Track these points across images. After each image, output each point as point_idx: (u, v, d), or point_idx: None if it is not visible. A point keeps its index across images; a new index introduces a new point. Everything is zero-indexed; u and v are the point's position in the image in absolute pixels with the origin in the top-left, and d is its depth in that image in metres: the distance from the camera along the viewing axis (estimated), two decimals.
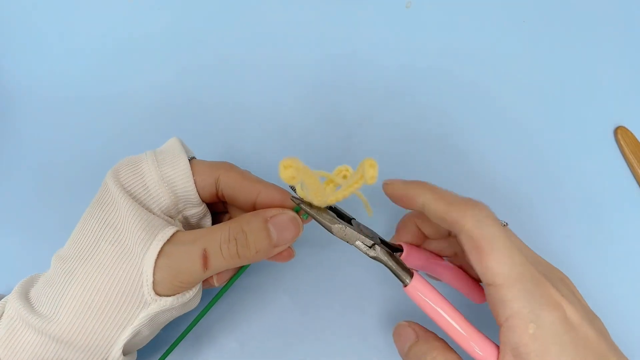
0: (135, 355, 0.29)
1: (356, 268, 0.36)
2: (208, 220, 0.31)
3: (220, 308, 0.34)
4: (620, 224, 0.38)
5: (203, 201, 0.29)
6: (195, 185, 0.28)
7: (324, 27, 0.44)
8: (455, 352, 0.26)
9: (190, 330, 0.29)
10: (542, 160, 0.40)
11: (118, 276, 0.25)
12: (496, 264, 0.24)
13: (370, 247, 0.27)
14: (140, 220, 0.25)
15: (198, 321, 0.29)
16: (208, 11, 0.45)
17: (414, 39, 0.44)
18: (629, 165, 0.40)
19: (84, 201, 0.28)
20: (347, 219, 0.28)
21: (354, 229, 0.27)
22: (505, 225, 0.29)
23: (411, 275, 0.27)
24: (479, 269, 0.25)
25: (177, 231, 0.26)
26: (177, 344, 0.30)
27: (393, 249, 0.29)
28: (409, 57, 0.43)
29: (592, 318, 0.26)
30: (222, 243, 0.26)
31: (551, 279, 0.26)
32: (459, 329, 0.26)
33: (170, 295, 0.25)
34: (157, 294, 0.25)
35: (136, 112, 0.41)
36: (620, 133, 0.40)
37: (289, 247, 0.28)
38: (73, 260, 0.26)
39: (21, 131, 0.41)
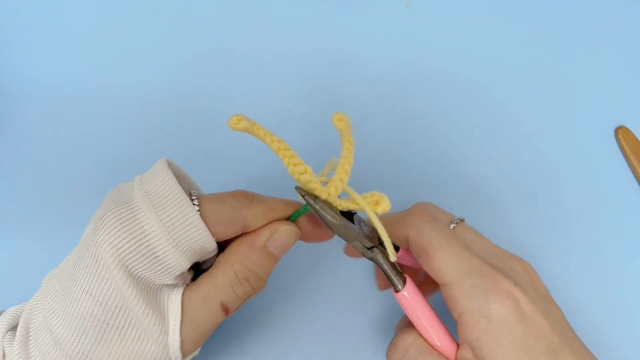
0: None
1: (357, 268, 0.36)
2: (214, 254, 0.27)
3: None
4: (621, 224, 0.38)
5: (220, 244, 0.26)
6: (214, 237, 0.24)
7: (324, 26, 0.44)
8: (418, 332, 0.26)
9: None
10: (542, 160, 0.40)
11: (139, 358, 0.23)
12: (441, 264, 0.25)
13: (368, 249, 0.27)
14: (150, 311, 0.23)
15: None
16: (207, 10, 0.45)
17: (414, 38, 0.44)
18: (629, 165, 0.40)
19: (84, 202, 0.28)
20: (349, 214, 0.27)
21: (355, 228, 0.26)
22: (458, 222, 0.29)
23: (404, 281, 0.27)
24: (429, 272, 0.26)
25: (184, 294, 0.25)
26: None
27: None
28: (409, 57, 0.43)
29: (548, 308, 0.25)
30: (235, 289, 0.25)
31: (504, 269, 0.26)
32: (437, 342, 0.26)
33: (195, 350, 0.25)
34: (184, 355, 0.25)
35: (136, 111, 0.41)
36: (621, 133, 0.40)
37: (322, 229, 0.27)
38: (81, 346, 0.23)
39: (21, 131, 0.41)
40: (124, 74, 0.43)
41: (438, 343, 0.26)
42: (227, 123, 0.20)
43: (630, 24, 0.45)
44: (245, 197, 0.25)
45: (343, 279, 0.35)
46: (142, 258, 0.22)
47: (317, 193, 0.24)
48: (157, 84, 0.42)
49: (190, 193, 0.24)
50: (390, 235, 0.25)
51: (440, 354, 0.26)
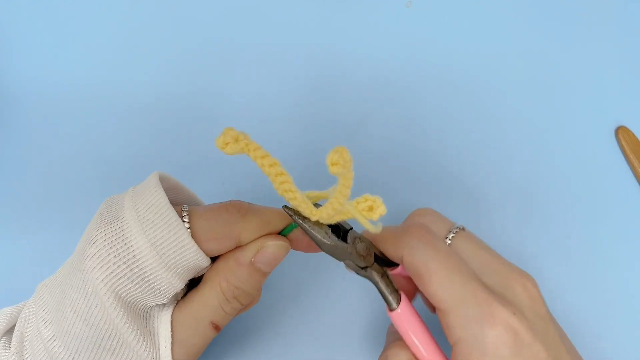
0: None
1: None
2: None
3: None
4: (621, 224, 0.38)
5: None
6: (207, 254, 0.24)
7: (324, 26, 0.44)
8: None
9: None
10: (542, 159, 0.40)
11: None
12: (436, 289, 0.24)
13: (362, 268, 0.26)
14: (138, 327, 0.23)
15: None
16: (207, 10, 0.45)
17: (414, 38, 0.44)
18: (629, 165, 0.40)
19: (84, 202, 0.28)
20: (344, 230, 0.26)
21: (347, 247, 0.25)
22: (458, 230, 0.28)
23: (399, 299, 0.26)
24: (425, 294, 0.25)
25: (174, 313, 0.24)
26: None
27: (389, 263, 0.28)
28: (409, 57, 0.43)
29: (546, 331, 0.24)
30: (223, 306, 0.24)
31: (504, 292, 0.25)
32: None
33: None
34: None
35: (136, 111, 0.41)
36: (621, 133, 0.40)
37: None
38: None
39: (20, 131, 0.41)
40: (124, 74, 0.43)
41: None
42: (216, 143, 0.18)
43: (630, 24, 0.45)
44: (239, 210, 0.24)
45: (343, 280, 0.35)
46: (133, 282, 0.22)
47: (307, 215, 0.22)
48: (156, 84, 0.42)
49: (181, 208, 0.24)
50: (387, 253, 0.26)
51: None
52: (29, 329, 0.25)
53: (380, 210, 0.22)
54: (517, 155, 0.40)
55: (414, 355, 0.26)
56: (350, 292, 0.35)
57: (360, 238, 0.26)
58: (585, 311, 0.35)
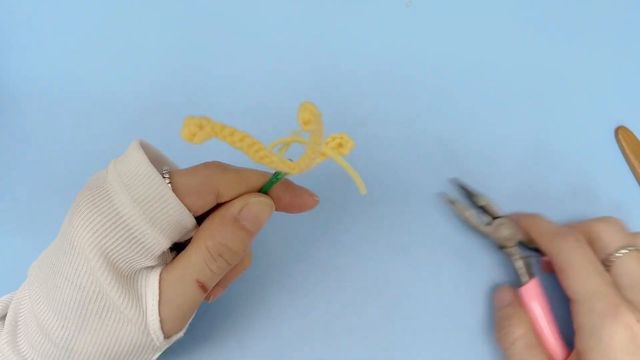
0: None
1: (356, 269, 0.36)
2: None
3: (219, 308, 0.34)
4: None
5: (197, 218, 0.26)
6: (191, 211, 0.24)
7: (323, 26, 0.44)
8: (531, 325, 0.31)
9: None
10: (542, 159, 0.40)
11: (121, 342, 0.23)
12: (572, 282, 0.29)
13: (500, 248, 0.34)
14: (124, 287, 0.23)
15: None
16: (206, 9, 0.45)
17: (414, 38, 0.44)
18: (629, 165, 0.40)
19: None
20: (494, 216, 0.35)
21: (487, 230, 0.34)
22: (632, 250, 0.30)
23: (531, 278, 0.32)
24: (563, 287, 0.30)
25: (161, 274, 0.24)
26: None
27: (530, 249, 0.34)
28: (409, 57, 0.43)
29: None
30: (209, 265, 0.24)
31: (634, 301, 0.28)
32: (548, 339, 0.31)
33: (178, 332, 0.25)
34: (167, 337, 0.24)
35: (135, 111, 0.41)
36: (621, 133, 0.40)
37: (311, 196, 0.27)
38: (65, 331, 0.23)
39: (20, 131, 0.41)
40: (124, 74, 0.43)
41: (549, 340, 0.31)
42: (182, 135, 0.18)
43: (630, 24, 0.45)
44: (217, 166, 0.25)
45: (343, 280, 0.35)
46: (119, 240, 0.22)
47: (286, 171, 0.22)
48: (156, 84, 0.42)
49: (162, 170, 0.24)
50: (539, 246, 0.32)
51: (548, 353, 0.30)
52: (22, 309, 0.25)
53: (349, 145, 0.23)
54: (518, 155, 0.40)
55: (534, 329, 0.31)
56: (350, 292, 0.35)
57: (507, 225, 0.34)
58: None
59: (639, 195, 0.39)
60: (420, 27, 0.44)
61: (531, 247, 0.34)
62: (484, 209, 0.36)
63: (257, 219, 0.25)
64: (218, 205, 0.25)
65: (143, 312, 0.23)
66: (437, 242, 0.36)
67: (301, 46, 0.44)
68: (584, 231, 0.32)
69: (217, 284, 0.27)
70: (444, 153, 0.40)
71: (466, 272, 0.36)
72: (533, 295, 0.32)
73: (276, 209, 0.26)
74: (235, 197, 0.25)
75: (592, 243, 0.31)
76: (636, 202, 0.39)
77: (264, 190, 0.26)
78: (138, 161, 0.24)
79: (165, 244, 0.23)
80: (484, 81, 0.42)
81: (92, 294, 0.22)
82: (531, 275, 0.33)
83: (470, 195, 0.36)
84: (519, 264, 0.33)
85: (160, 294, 0.23)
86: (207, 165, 0.25)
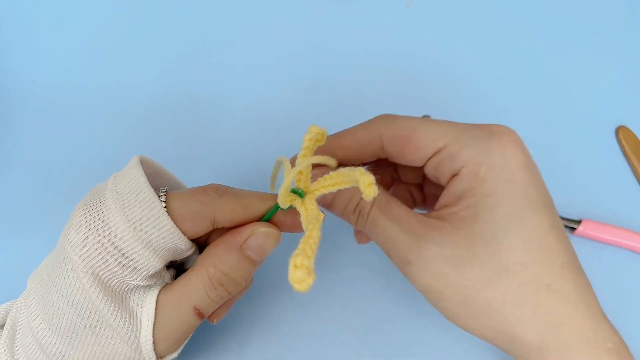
0: None
1: (356, 269, 0.36)
2: (196, 253, 0.26)
3: None
4: (621, 224, 0.38)
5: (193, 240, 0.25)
6: (185, 235, 0.24)
7: (324, 26, 0.44)
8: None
9: None
10: (543, 160, 0.40)
11: (112, 358, 0.23)
12: (430, 134, 0.23)
13: None
14: (120, 314, 0.23)
15: None
16: (206, 8, 0.45)
17: (414, 38, 0.44)
18: (630, 165, 0.40)
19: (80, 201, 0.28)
20: None
21: None
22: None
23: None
24: (414, 157, 0.24)
25: (159, 294, 0.24)
26: None
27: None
28: (409, 57, 0.43)
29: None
30: (209, 293, 0.24)
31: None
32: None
33: (172, 352, 0.25)
34: (159, 357, 0.24)
35: (135, 110, 0.41)
36: (621, 133, 0.40)
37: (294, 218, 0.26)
38: (59, 345, 0.23)
39: (18, 130, 0.41)
40: (123, 73, 0.43)
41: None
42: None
43: (630, 24, 0.45)
44: (216, 191, 0.24)
45: (343, 280, 0.35)
46: (111, 260, 0.22)
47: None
48: (156, 83, 0.42)
49: (159, 190, 0.24)
50: (359, 148, 0.25)
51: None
52: (21, 319, 0.25)
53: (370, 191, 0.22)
54: None
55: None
56: (351, 291, 0.35)
57: None
58: None
59: (639, 195, 0.39)
60: (420, 27, 0.44)
61: None
62: None
63: (262, 250, 0.24)
64: (215, 230, 0.25)
65: (137, 330, 0.23)
66: None
67: (301, 46, 0.44)
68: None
69: (221, 306, 0.27)
70: None
71: None
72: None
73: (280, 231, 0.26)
74: (233, 223, 0.24)
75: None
76: (636, 202, 0.39)
77: (266, 217, 0.25)
78: (136, 180, 0.23)
79: (157, 265, 0.23)
80: (484, 81, 0.42)
81: (84, 310, 0.22)
82: None
83: None
84: None
85: (155, 315, 0.23)
86: (204, 190, 0.24)
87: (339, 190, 0.22)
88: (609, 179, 0.40)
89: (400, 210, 0.23)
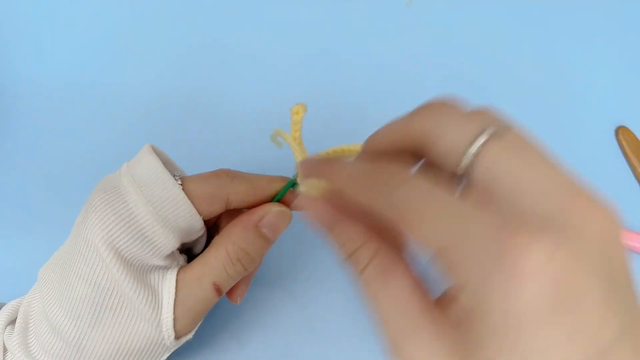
0: None
1: None
2: (204, 237, 0.28)
3: (220, 308, 0.34)
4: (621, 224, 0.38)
5: (207, 223, 0.27)
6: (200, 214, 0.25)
7: (323, 26, 0.44)
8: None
9: None
10: None
11: (135, 337, 0.24)
12: (417, 232, 0.16)
13: None
14: (141, 290, 0.23)
15: None
16: (206, 8, 0.45)
17: (414, 38, 0.44)
18: (630, 165, 0.40)
19: (84, 200, 0.28)
20: None
21: None
22: (491, 136, 0.17)
23: None
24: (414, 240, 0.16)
25: (179, 275, 0.25)
26: None
27: None
28: (409, 57, 0.43)
29: (610, 273, 0.14)
30: (227, 268, 0.25)
31: (548, 220, 0.14)
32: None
33: (189, 332, 0.26)
34: (177, 337, 0.25)
35: (136, 109, 0.41)
36: (621, 133, 0.40)
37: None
38: (77, 329, 0.23)
39: (19, 128, 0.41)
40: (124, 73, 0.43)
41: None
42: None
43: (630, 24, 0.45)
44: (227, 174, 0.26)
45: (343, 279, 0.35)
46: (132, 239, 0.23)
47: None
48: (156, 82, 0.42)
49: (174, 175, 0.25)
50: (356, 202, 0.18)
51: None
52: (33, 312, 0.25)
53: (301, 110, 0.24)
54: None
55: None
56: (350, 291, 0.35)
57: None
58: None
59: (639, 195, 0.39)
60: (420, 27, 0.45)
61: None
62: None
63: (276, 228, 0.26)
64: (225, 214, 0.27)
65: (158, 307, 0.24)
66: None
67: (301, 46, 0.44)
68: (412, 140, 0.20)
69: (241, 284, 0.28)
70: None
71: None
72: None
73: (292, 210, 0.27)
74: (245, 204, 0.26)
75: (431, 151, 0.18)
76: (636, 202, 0.39)
77: (277, 197, 0.27)
78: (151, 164, 0.24)
79: (174, 243, 0.24)
80: (484, 81, 0.42)
81: (106, 290, 0.23)
82: None
83: None
84: None
85: (176, 292, 0.24)
86: (217, 173, 0.26)
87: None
88: (609, 179, 0.39)
89: (402, 282, 0.18)
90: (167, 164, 0.28)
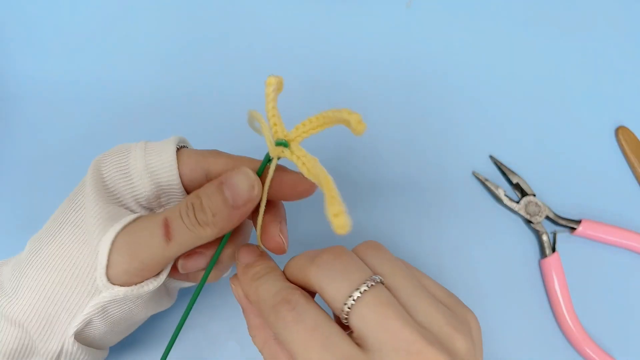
0: (106, 352, 0.28)
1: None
2: None
3: (219, 308, 0.34)
4: (621, 224, 0.38)
5: (188, 191, 0.27)
6: (181, 177, 0.26)
7: (323, 26, 0.44)
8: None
9: (179, 330, 0.27)
10: (542, 160, 0.40)
11: (74, 259, 0.24)
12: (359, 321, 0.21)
13: (527, 222, 0.37)
14: (101, 207, 0.25)
15: (184, 321, 0.27)
16: (206, 8, 0.45)
17: (414, 38, 0.44)
18: (629, 165, 0.40)
19: None
20: (524, 194, 0.38)
21: (516, 206, 0.38)
22: (370, 287, 0.21)
23: (553, 252, 0.36)
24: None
25: (141, 215, 0.25)
26: (171, 345, 0.28)
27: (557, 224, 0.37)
28: (408, 57, 0.43)
29: None
30: (181, 211, 0.24)
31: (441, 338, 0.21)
32: (566, 315, 0.34)
33: (125, 285, 0.24)
34: (110, 281, 0.24)
35: (136, 110, 0.41)
36: (621, 133, 0.40)
37: (278, 238, 0.26)
38: (40, 240, 0.25)
39: (16, 127, 0.41)
40: (125, 73, 0.43)
41: (564, 314, 0.35)
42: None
43: (630, 24, 0.45)
44: (217, 152, 0.27)
45: None
46: (116, 168, 0.26)
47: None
48: (157, 82, 0.42)
49: (179, 143, 0.28)
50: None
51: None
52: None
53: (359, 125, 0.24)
54: (517, 155, 0.40)
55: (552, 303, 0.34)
56: None
57: (536, 203, 0.37)
58: (584, 313, 0.35)
59: (639, 195, 0.39)
60: (420, 27, 0.44)
61: (559, 223, 0.37)
62: (516, 186, 0.38)
63: (235, 187, 0.24)
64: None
65: (105, 231, 0.24)
66: (468, 217, 0.38)
67: (301, 46, 0.44)
68: (308, 282, 0.23)
69: (191, 254, 0.27)
70: (441, 152, 0.40)
71: (493, 243, 0.38)
72: (553, 267, 0.35)
73: (277, 197, 0.26)
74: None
75: (324, 300, 0.23)
76: (636, 202, 0.39)
77: (258, 172, 0.26)
78: (166, 140, 0.28)
79: (147, 188, 0.26)
80: (484, 81, 0.42)
81: (76, 204, 0.25)
82: (553, 250, 0.36)
83: (504, 173, 0.39)
84: (544, 238, 0.36)
85: (127, 226, 0.24)
86: (208, 150, 0.28)
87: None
88: (609, 179, 0.40)
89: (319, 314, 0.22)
90: (186, 143, 0.30)
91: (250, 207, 0.24)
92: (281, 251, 0.27)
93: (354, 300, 0.21)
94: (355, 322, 0.21)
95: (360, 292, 0.21)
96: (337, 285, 0.21)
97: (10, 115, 0.41)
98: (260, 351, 0.25)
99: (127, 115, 0.41)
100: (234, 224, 0.25)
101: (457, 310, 0.23)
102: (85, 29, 0.44)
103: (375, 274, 0.22)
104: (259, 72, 0.43)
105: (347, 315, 0.21)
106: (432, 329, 0.21)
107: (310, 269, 0.23)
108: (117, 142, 0.40)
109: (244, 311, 0.26)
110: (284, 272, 0.25)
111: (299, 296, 0.22)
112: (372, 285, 0.21)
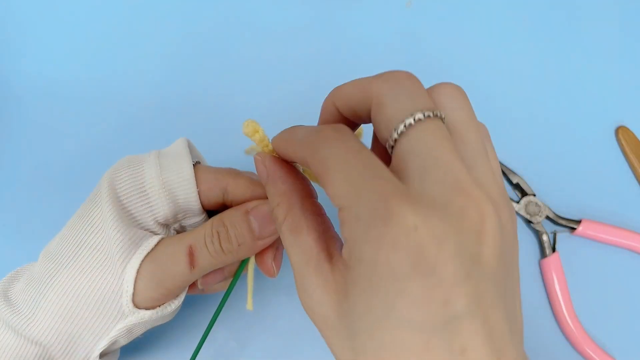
0: (117, 354, 0.29)
1: None
2: None
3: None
4: (621, 224, 0.38)
5: (205, 209, 0.27)
6: (199, 195, 0.26)
7: (323, 26, 0.44)
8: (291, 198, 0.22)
9: (204, 340, 0.29)
10: (542, 159, 0.40)
11: (97, 284, 0.24)
12: (331, 187, 0.18)
13: (528, 222, 0.37)
14: (122, 232, 0.24)
15: (210, 329, 0.29)
16: (207, 8, 0.45)
17: (414, 38, 0.44)
18: (630, 165, 0.40)
19: (80, 201, 0.28)
20: (524, 194, 0.38)
21: (516, 205, 0.38)
22: (424, 118, 0.18)
23: (553, 252, 0.36)
24: (328, 196, 0.19)
25: (163, 238, 0.25)
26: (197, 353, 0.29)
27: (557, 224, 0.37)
28: (408, 57, 0.43)
29: (490, 268, 0.16)
30: (206, 238, 0.25)
31: (423, 194, 0.17)
32: (566, 315, 0.34)
33: (149, 308, 0.25)
34: (136, 306, 0.24)
35: (137, 111, 0.41)
36: (621, 133, 0.40)
37: (270, 265, 0.27)
38: (56, 261, 0.25)
39: (17, 129, 0.41)
40: (128, 74, 0.43)
41: (563, 314, 0.34)
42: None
43: (630, 24, 0.45)
44: (235, 171, 0.27)
45: None
46: (132, 187, 0.25)
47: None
48: (158, 83, 0.42)
49: (194, 160, 0.27)
50: (301, 163, 0.22)
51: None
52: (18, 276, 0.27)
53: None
54: (516, 155, 0.40)
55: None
56: None
57: (536, 203, 0.37)
58: (584, 313, 0.35)
59: (639, 195, 0.39)
60: (420, 27, 0.44)
61: (559, 223, 0.37)
62: (516, 186, 0.39)
63: (264, 220, 0.25)
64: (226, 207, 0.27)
65: (129, 258, 0.24)
66: None
67: (300, 46, 0.44)
68: (366, 99, 0.21)
69: (213, 272, 0.27)
70: None
71: None
72: (553, 267, 0.35)
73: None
74: (242, 199, 0.26)
75: (375, 119, 0.20)
76: (636, 202, 0.39)
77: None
78: (178, 145, 0.27)
79: (167, 210, 0.25)
80: (483, 81, 0.42)
81: (95, 227, 0.25)
82: (553, 250, 0.36)
83: (504, 173, 0.39)
84: (544, 238, 0.36)
85: (152, 252, 0.24)
86: (227, 168, 0.27)
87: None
88: (609, 179, 0.40)
89: (307, 237, 0.20)
90: (193, 150, 0.29)
91: (274, 239, 0.26)
92: (270, 276, 0.28)
93: (412, 121, 0.18)
94: (403, 147, 0.18)
95: (422, 116, 0.18)
96: (399, 104, 0.19)
97: (12, 115, 0.41)
98: (279, 226, 0.22)
99: (129, 116, 0.41)
100: (255, 252, 0.26)
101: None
102: (88, 31, 0.44)
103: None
104: (260, 73, 0.43)
105: (397, 137, 0.18)
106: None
107: (377, 81, 0.21)
108: (119, 143, 0.40)
109: (268, 179, 0.23)
110: (326, 104, 0.26)
111: (343, 125, 0.20)
112: (435, 115, 0.18)
